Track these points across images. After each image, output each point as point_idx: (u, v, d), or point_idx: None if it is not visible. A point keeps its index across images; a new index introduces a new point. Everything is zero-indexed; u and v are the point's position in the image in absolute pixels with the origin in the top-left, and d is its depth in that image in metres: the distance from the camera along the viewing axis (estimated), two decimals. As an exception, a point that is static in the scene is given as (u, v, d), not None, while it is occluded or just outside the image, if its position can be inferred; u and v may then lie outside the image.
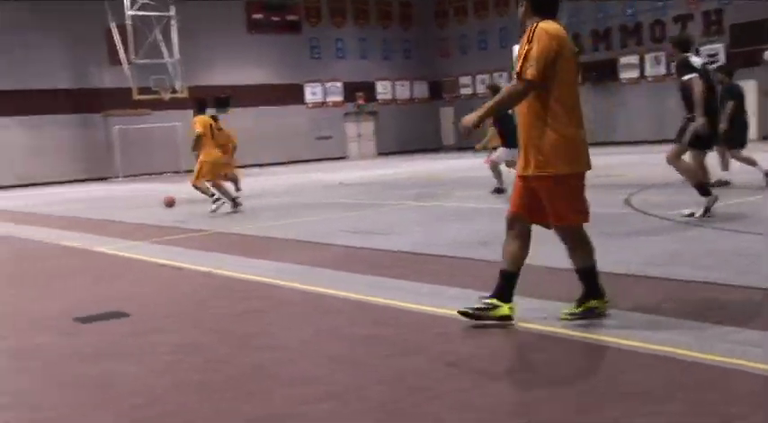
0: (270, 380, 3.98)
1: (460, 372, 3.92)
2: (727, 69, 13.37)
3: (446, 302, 5.39)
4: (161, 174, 32.00)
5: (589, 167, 4.62)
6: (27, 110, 29.48)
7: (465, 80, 39.42)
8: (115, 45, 29.01)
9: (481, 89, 38.48)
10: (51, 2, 29.87)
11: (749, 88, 28.93)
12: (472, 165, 23.89)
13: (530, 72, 4.35)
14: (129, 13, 28.51)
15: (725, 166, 12.24)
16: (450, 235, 8.84)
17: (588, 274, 4.71)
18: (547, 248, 5.45)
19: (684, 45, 9.27)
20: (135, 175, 31.50)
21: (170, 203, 14.14)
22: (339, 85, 37.78)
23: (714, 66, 20.93)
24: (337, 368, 4.11)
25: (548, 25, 4.44)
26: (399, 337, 4.64)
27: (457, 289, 5.85)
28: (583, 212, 4.69)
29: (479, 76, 38.57)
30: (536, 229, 4.89)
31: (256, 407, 3.59)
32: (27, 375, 4.37)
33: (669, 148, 9.06)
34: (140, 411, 3.63)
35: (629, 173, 16.08)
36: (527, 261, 4.88)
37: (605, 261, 6.49)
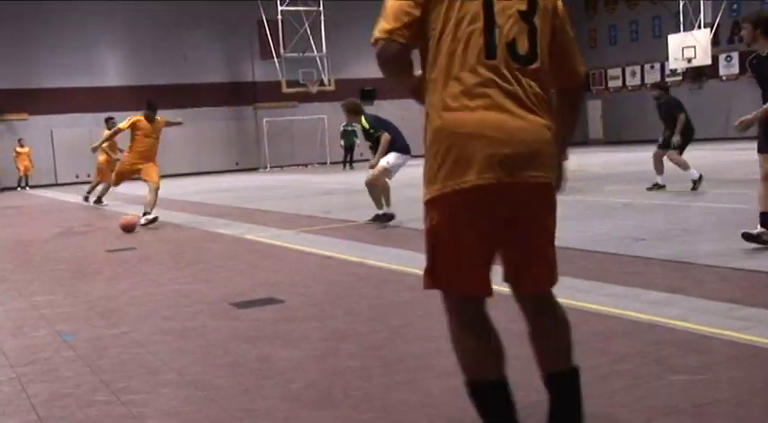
0: (426, 370, 3.97)
1: (623, 371, 3.78)
2: (663, 85, 14.31)
3: (601, 299, 5.24)
4: (306, 165, 32.78)
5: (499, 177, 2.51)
6: (184, 103, 30.89)
7: (614, 72, 38.26)
8: (267, 39, 29.91)
9: (631, 82, 37.32)
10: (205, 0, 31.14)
11: None
12: (623, 159, 23.19)
13: None
14: (281, 8, 29.32)
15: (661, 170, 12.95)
16: (601, 230, 8.60)
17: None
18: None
19: None
20: (281, 167, 32.40)
21: (127, 228, 11.26)
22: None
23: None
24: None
25: None
26: (554, 332, 4.53)
27: (611, 285, 5.67)
28: (443, 276, 2.64)
29: (629, 68, 37.35)
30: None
31: (413, 394, 3.59)
32: (191, 355, 4.54)
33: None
34: (304, 394, 3.70)
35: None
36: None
37: (763, 259, 6.17)
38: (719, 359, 3.86)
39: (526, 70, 2.57)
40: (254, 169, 32.30)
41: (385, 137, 10.07)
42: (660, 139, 13.18)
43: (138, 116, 12.31)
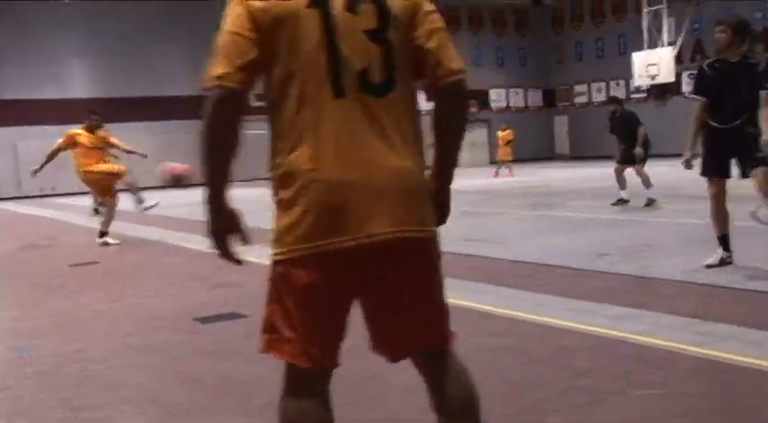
0: (386, 387, 3.96)
1: (583, 386, 3.80)
2: (618, 99, 14.46)
3: (564, 314, 5.26)
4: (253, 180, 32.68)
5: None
6: (153, 116, 30.67)
7: (580, 88, 38.69)
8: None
9: (597, 98, 37.75)
10: (175, 11, 31.02)
11: None
12: (587, 175, 23.42)
13: None
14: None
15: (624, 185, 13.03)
16: (566, 245, 8.65)
17: None
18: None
19: None
20: (253, 179, 32.27)
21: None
22: (452, 92, 37.67)
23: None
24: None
25: None
26: (519, 348, 4.55)
27: (574, 300, 5.70)
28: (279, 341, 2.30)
29: (595, 85, 37.79)
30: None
31: (374, 411, 3.58)
32: (152, 371, 4.49)
33: None
34: (265, 410, 3.67)
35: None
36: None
37: (727, 275, 6.24)
38: (680, 374, 3.90)
39: (383, 102, 2.15)
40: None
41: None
42: (618, 155, 13.24)
43: (75, 129, 11.87)
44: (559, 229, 10.33)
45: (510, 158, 26.26)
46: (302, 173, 2.10)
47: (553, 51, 40.06)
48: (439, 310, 2.33)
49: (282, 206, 2.16)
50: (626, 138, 13.06)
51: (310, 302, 2.19)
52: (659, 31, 31.21)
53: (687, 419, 3.32)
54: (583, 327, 4.89)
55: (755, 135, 6.28)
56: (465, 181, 23.86)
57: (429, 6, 2.28)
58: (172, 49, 31.55)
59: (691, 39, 32.28)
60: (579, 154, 38.03)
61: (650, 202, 12.35)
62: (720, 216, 6.64)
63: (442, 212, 2.40)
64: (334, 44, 2.11)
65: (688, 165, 6.71)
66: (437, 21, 2.27)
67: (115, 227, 13.32)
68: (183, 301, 6.67)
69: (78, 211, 19.83)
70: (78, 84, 30.69)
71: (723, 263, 6.63)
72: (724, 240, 6.70)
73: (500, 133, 27.13)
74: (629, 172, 12.90)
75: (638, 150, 12.71)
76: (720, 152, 6.53)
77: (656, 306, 5.37)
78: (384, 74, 2.15)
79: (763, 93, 6.30)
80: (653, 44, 31.35)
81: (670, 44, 30.91)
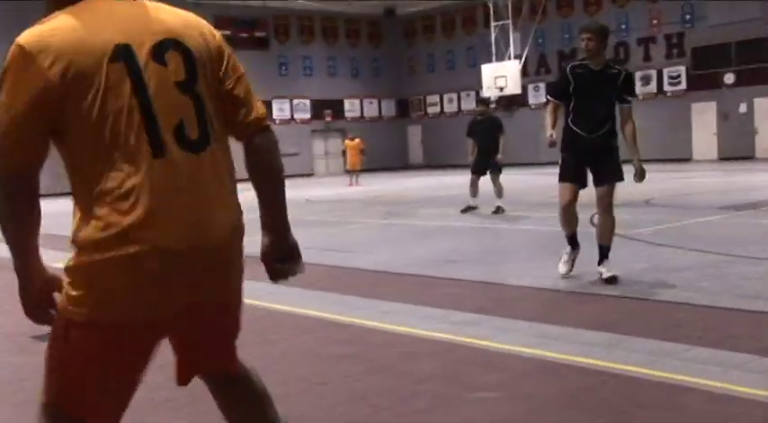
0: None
1: (425, 391, 3.93)
2: (489, 101, 14.64)
3: (411, 321, 5.41)
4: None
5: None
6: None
7: (433, 99, 39.66)
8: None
9: (449, 108, 38.81)
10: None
11: (710, 110, 29.61)
12: (440, 183, 23.99)
13: None
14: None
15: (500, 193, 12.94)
16: (416, 253, 8.86)
17: None
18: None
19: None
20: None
21: None
22: (307, 102, 37.80)
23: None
24: (305, 387, 4.10)
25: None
26: (365, 355, 4.64)
27: (422, 308, 5.86)
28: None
29: (447, 95, 38.84)
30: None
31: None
32: (-14, 394, 4.30)
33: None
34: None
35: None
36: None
37: (565, 280, 6.60)
38: (515, 376, 4.09)
39: (202, 157, 2.05)
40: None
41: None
42: (475, 162, 13.12)
43: None
44: (410, 237, 10.56)
45: (359, 168, 26.59)
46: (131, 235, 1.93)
47: (406, 62, 40.87)
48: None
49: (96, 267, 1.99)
50: (487, 144, 12.87)
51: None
52: (506, 44, 32.45)
53: (524, 418, 3.49)
54: (427, 333, 5.04)
55: (614, 147, 6.39)
56: (318, 190, 23.99)
57: (229, 50, 2.23)
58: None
59: (535, 53, 33.81)
60: (432, 163, 38.93)
61: (499, 211, 12.65)
62: (568, 218, 6.60)
63: (295, 260, 2.35)
64: (147, 100, 1.97)
65: (552, 143, 6.55)
66: (240, 66, 2.23)
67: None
68: (19, 317, 6.37)
69: None
70: None
71: (573, 262, 6.68)
72: (573, 239, 6.71)
73: (348, 142, 27.28)
74: (484, 180, 12.99)
75: (500, 158, 12.72)
76: (581, 160, 6.44)
77: (498, 311, 5.60)
78: (199, 128, 2.06)
79: (624, 106, 6.41)
80: (501, 57, 32.56)
81: (516, 58, 32.20)
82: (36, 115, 1.92)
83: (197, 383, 2.38)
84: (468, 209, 13.11)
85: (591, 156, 6.40)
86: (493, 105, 34.27)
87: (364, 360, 4.54)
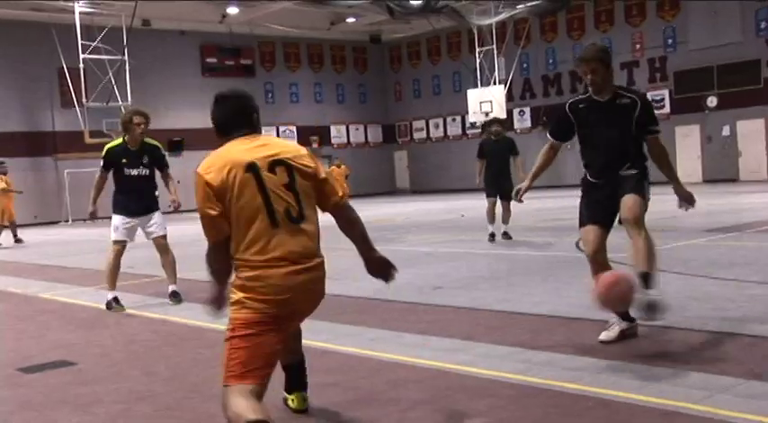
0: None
1: (412, 419, 3.92)
2: (501, 120, 14.01)
3: (397, 349, 5.40)
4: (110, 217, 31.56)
5: None
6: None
7: (419, 124, 39.82)
8: (68, 88, 28.80)
9: (435, 133, 38.97)
10: (3, 44, 29.69)
11: (693, 133, 29.88)
12: (427, 208, 24.03)
13: None
14: (83, 56, 28.36)
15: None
16: (403, 279, 8.82)
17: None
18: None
19: None
20: (84, 220, 31.08)
21: None
22: (293, 128, 37.88)
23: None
24: (291, 416, 4.09)
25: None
26: (351, 384, 4.63)
27: (408, 335, 5.86)
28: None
29: (432, 121, 39.01)
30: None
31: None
32: (-31, 428, 4.26)
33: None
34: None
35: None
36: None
37: (552, 305, 6.61)
38: (502, 402, 4.09)
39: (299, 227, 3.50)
40: (56, 222, 30.76)
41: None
42: (490, 187, 12.36)
43: None
44: (397, 263, 10.50)
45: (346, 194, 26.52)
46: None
47: (392, 88, 41.08)
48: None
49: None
50: (501, 166, 12.30)
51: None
52: (491, 70, 32.69)
53: (507, 446, 3.49)
54: (413, 360, 5.04)
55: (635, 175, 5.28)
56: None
57: (314, 161, 3.62)
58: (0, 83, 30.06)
59: (520, 78, 34.09)
60: (419, 188, 39.02)
61: (505, 236, 12.20)
62: (598, 270, 5.29)
63: (388, 267, 4.02)
64: (266, 195, 3.42)
65: (517, 197, 5.97)
66: (323, 170, 3.65)
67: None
68: (6, 350, 6.35)
69: None
70: None
71: (620, 333, 5.33)
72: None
73: (335, 169, 27.10)
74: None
75: (522, 176, 12.12)
76: (600, 201, 5.44)
77: (484, 337, 5.61)
78: (297, 210, 3.48)
79: (651, 138, 5.33)
80: (486, 82, 32.80)
81: (501, 82, 32.44)
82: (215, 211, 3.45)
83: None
84: (494, 237, 12.26)
85: (609, 193, 5.36)
86: (478, 130, 34.81)
87: (351, 388, 4.53)
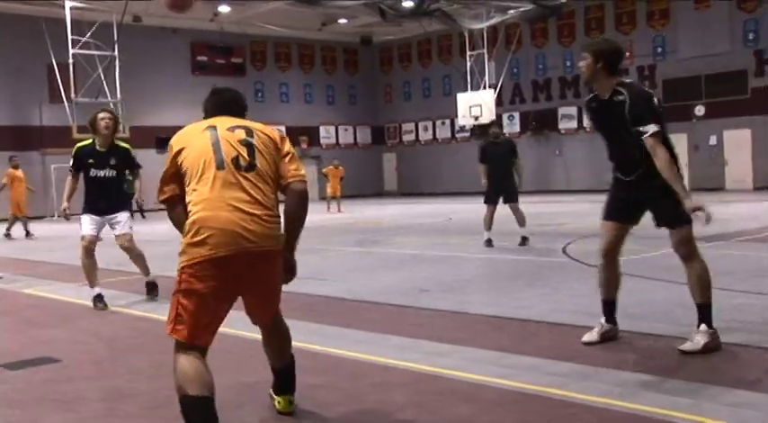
0: None
1: (397, 422, 3.91)
2: (500, 123, 13.47)
3: (383, 351, 5.39)
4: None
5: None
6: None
7: (408, 126, 39.84)
8: (57, 83, 28.65)
9: (424, 136, 39.00)
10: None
11: (680, 142, 30.02)
12: (415, 211, 24.04)
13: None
14: (72, 51, 28.22)
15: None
16: (390, 282, 8.86)
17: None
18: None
19: None
20: (72, 215, 30.92)
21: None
22: (282, 128, 37.81)
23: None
24: (277, 417, 4.07)
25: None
26: (337, 385, 4.62)
27: (394, 337, 5.85)
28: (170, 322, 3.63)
29: (422, 124, 39.04)
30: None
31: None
32: (-50, 423, 4.22)
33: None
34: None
35: (567, 222, 16.34)
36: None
37: (538, 310, 6.63)
38: (487, 406, 4.09)
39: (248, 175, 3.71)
40: (41, 217, 30.60)
41: (141, 176, 8.53)
42: (492, 191, 12.04)
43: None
44: (384, 265, 10.56)
45: (340, 194, 26.36)
46: None
47: (382, 90, 41.08)
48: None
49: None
50: (503, 169, 11.98)
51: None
52: (481, 74, 32.74)
53: (492, 450, 3.49)
54: (401, 363, 5.03)
55: (664, 186, 4.92)
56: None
57: (280, 137, 3.91)
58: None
59: (510, 83, 34.15)
60: (407, 190, 39.04)
61: (524, 242, 11.80)
62: (603, 274, 5.39)
63: (290, 272, 3.89)
64: (217, 142, 3.70)
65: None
66: (288, 146, 3.91)
67: None
68: (-11, 345, 6.30)
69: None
70: None
71: (602, 336, 5.35)
72: (608, 307, 5.42)
73: (332, 169, 26.84)
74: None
75: (518, 182, 11.87)
76: (627, 199, 5.25)
77: (470, 341, 5.60)
78: (247, 160, 3.66)
79: (647, 140, 4.88)
80: (476, 86, 32.85)
81: (491, 87, 32.50)
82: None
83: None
84: (490, 242, 11.92)
85: (638, 197, 5.16)
86: (467, 134, 34.87)
87: (337, 390, 4.52)
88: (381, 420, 3.92)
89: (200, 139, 3.69)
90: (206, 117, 3.95)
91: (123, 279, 10.06)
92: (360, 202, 33.00)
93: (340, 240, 14.81)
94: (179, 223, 3.71)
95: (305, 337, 5.90)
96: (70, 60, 28.26)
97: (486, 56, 32.64)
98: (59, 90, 28.54)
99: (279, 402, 4.13)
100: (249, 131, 3.77)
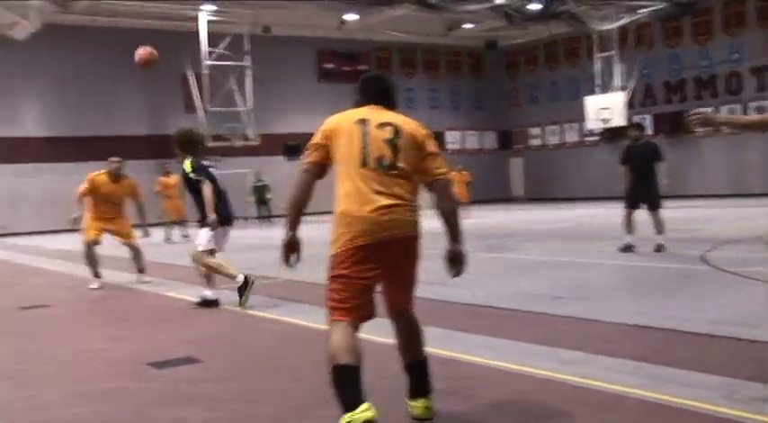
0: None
1: (534, 431, 3.85)
2: (641, 126, 12.92)
3: (518, 358, 5.33)
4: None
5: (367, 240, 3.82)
6: (106, 155, 30.35)
7: (535, 131, 39.30)
8: (191, 93, 29.85)
9: (551, 140, 38.38)
10: (134, 52, 31.03)
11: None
12: (543, 217, 23.69)
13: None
14: (207, 62, 29.33)
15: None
16: (521, 287, 8.76)
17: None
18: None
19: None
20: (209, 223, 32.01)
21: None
22: (408, 134, 38.04)
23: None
24: None
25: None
26: (472, 393, 4.59)
27: (529, 344, 5.77)
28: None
29: (549, 128, 38.43)
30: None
31: None
32: (104, 418, 4.43)
33: (746, 201, 8.86)
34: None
35: (705, 227, 15.71)
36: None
37: (677, 319, 6.39)
38: (629, 418, 3.97)
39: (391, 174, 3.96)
40: (184, 222, 31.87)
41: (207, 188, 8.64)
42: (629, 194, 11.73)
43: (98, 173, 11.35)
44: (514, 271, 10.44)
45: (466, 201, 26.26)
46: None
47: (508, 94, 40.70)
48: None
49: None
50: (645, 171, 11.57)
51: None
52: (610, 76, 31.96)
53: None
54: (534, 371, 4.96)
55: None
56: (423, 222, 23.99)
57: (426, 135, 4.10)
58: (131, 89, 31.44)
59: (641, 84, 33.12)
60: (534, 196, 38.51)
61: (660, 249, 11.34)
62: None
63: (462, 262, 4.34)
64: (365, 140, 3.93)
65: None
66: (433, 146, 4.09)
67: (67, 268, 13.17)
68: (136, 345, 6.61)
69: (32, 251, 19.53)
70: (30, 122, 30.36)
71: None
72: None
73: (456, 175, 26.78)
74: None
75: (665, 183, 11.44)
76: None
77: (605, 349, 5.46)
78: (391, 159, 3.91)
79: None
80: (605, 89, 32.09)
81: (621, 89, 31.66)
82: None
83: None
84: (627, 248, 11.55)
85: None
86: (597, 137, 34.06)
87: (472, 398, 4.49)
88: (518, 429, 3.87)
89: (352, 131, 3.94)
90: (357, 105, 4.16)
91: (259, 284, 10.35)
92: (486, 207, 32.79)
93: (468, 246, 14.69)
94: (301, 191, 4.00)
95: (437, 343, 5.90)
96: (205, 71, 29.39)
97: (615, 57, 31.85)
98: (194, 100, 29.72)
99: (415, 408, 4.08)
100: (396, 130, 3.96)
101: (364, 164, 3.88)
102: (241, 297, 8.34)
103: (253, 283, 8.43)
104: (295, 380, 5.14)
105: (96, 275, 10.82)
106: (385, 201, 3.82)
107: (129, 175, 11.73)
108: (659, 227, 11.57)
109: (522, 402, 4.33)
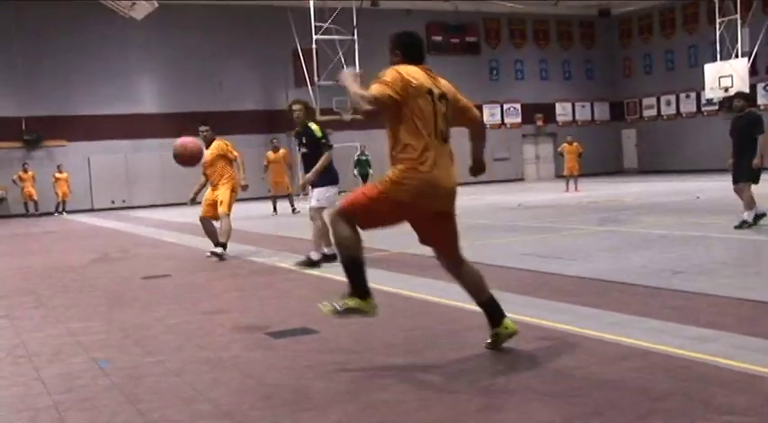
0: (464, 405, 3.91)
1: (663, 410, 3.69)
2: (749, 96, 12.07)
3: (641, 334, 5.15)
4: (339, 192, 32.80)
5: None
6: (218, 130, 31.12)
7: (649, 102, 38.08)
8: (301, 68, 30.18)
9: (666, 111, 37.11)
10: (244, 30, 31.60)
11: None
12: (657, 189, 22.97)
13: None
14: (316, 37, 29.57)
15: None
16: (639, 262, 8.49)
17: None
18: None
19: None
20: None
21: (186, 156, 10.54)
22: (517, 106, 37.50)
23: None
24: (531, 397, 3.99)
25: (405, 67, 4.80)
26: (594, 368, 4.45)
27: (650, 320, 5.57)
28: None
29: (664, 98, 37.16)
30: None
31: (449, 433, 3.54)
32: (226, 385, 4.52)
33: None
34: (335, 429, 3.67)
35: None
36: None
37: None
38: (761, 398, 3.76)
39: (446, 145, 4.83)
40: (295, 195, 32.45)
41: (327, 156, 9.64)
42: (736, 170, 11.33)
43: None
44: (630, 245, 10.14)
45: (578, 173, 25.68)
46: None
47: (621, 64, 39.53)
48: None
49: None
50: (738, 145, 11.26)
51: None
52: (733, 42, 30.55)
53: (775, 447, 3.20)
54: (661, 347, 4.77)
55: None
56: (530, 196, 23.67)
57: (455, 91, 4.96)
58: (241, 66, 32.07)
59: (766, 49, 31.49)
60: (647, 168, 37.44)
61: (742, 225, 11.00)
62: None
63: (482, 169, 5.33)
64: (436, 116, 4.74)
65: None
66: (464, 99, 5.04)
67: (180, 239, 13.57)
68: (254, 315, 6.73)
69: (150, 223, 20.25)
70: (147, 99, 31.39)
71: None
72: None
73: (566, 146, 26.20)
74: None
75: (756, 162, 10.92)
76: None
77: (737, 327, 5.22)
78: (445, 134, 4.81)
79: None
80: (726, 56, 30.72)
81: (744, 55, 30.24)
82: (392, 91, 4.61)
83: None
84: (747, 223, 11.04)
85: None
86: (715, 107, 32.68)
87: (594, 373, 4.36)
88: (648, 407, 3.72)
89: (426, 100, 4.67)
90: (405, 55, 4.91)
91: (369, 256, 10.39)
92: (598, 180, 32.03)
93: (581, 219, 14.43)
94: (372, 110, 4.57)
95: (554, 317, 5.78)
96: (313, 46, 29.64)
97: (738, 22, 30.40)
98: (304, 75, 30.05)
99: (507, 328, 4.89)
100: (447, 102, 4.80)
101: (432, 134, 4.66)
102: (307, 266, 9.39)
103: (319, 264, 9.40)
104: (410, 352, 5.12)
105: (219, 245, 11.00)
106: (444, 162, 4.71)
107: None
108: (748, 203, 11.09)
109: (649, 379, 4.16)
